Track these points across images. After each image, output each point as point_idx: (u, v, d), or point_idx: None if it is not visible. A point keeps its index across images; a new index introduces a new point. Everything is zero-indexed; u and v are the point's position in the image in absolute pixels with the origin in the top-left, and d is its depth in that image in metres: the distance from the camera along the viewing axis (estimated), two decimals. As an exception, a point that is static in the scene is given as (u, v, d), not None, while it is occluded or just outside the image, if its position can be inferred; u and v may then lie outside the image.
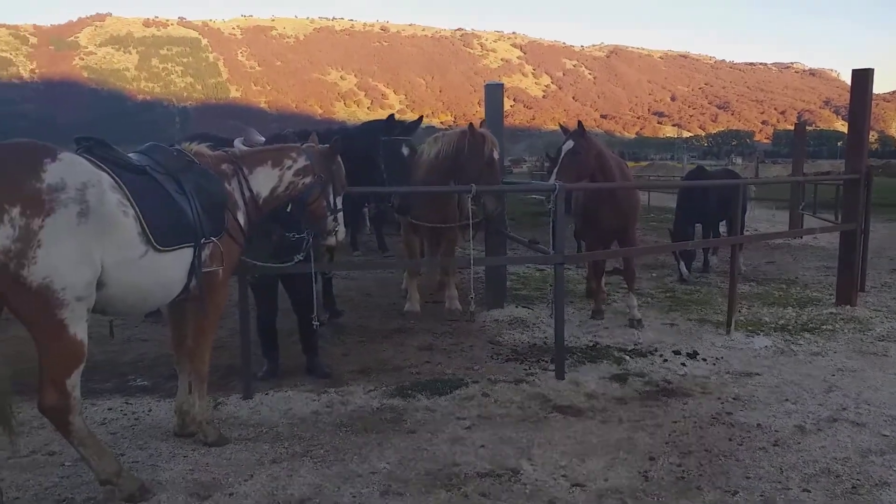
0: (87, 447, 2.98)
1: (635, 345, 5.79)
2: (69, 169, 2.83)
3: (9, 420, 2.95)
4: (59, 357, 2.84)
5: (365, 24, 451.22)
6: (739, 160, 79.18)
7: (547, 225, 5.34)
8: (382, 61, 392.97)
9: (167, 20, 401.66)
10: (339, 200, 4.07)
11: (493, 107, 7.17)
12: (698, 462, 3.56)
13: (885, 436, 3.87)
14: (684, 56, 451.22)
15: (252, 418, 4.15)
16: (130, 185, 3.07)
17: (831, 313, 6.79)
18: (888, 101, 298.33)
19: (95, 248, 2.86)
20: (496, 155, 6.00)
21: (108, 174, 3.02)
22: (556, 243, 5.03)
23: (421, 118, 6.61)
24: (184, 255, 3.30)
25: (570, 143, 5.93)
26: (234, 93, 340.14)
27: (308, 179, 3.87)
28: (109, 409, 4.27)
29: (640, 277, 8.08)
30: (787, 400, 4.46)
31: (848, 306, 6.98)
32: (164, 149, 3.51)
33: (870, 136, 7.71)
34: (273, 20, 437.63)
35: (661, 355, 5.47)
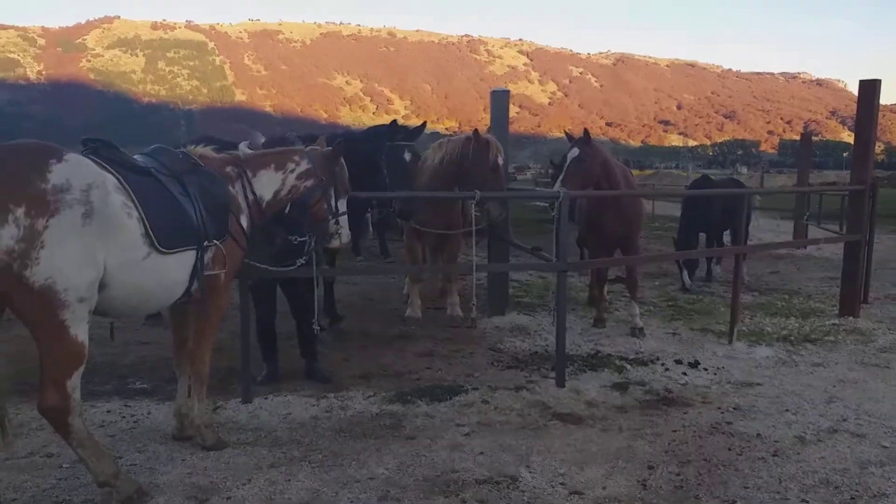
0: (86, 449, 2.97)
1: (637, 353, 5.78)
2: (74, 170, 2.84)
3: (2, 421, 2.96)
4: (59, 358, 2.84)
5: (372, 30, 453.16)
6: (745, 169, 79.17)
7: (551, 232, 5.33)
8: (388, 66, 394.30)
9: (175, 23, 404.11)
10: (342, 203, 4.06)
11: (499, 113, 7.18)
12: (697, 471, 3.55)
13: (885, 447, 3.85)
14: (691, 65, 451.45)
15: (251, 422, 4.15)
16: (135, 187, 3.08)
17: (834, 324, 6.76)
18: (895, 113, 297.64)
19: (99, 249, 2.87)
20: (501, 161, 5.99)
21: (113, 175, 3.03)
22: (559, 251, 5.03)
23: (424, 124, 6.61)
24: (187, 258, 3.30)
25: (575, 151, 5.93)
26: (240, 96, 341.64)
27: (310, 182, 3.87)
28: (109, 411, 4.28)
29: (642, 286, 8.07)
30: (787, 410, 4.44)
31: (851, 318, 6.95)
32: (170, 151, 3.53)
33: (876, 148, 7.70)
34: (280, 24, 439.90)
35: (662, 364, 5.45)
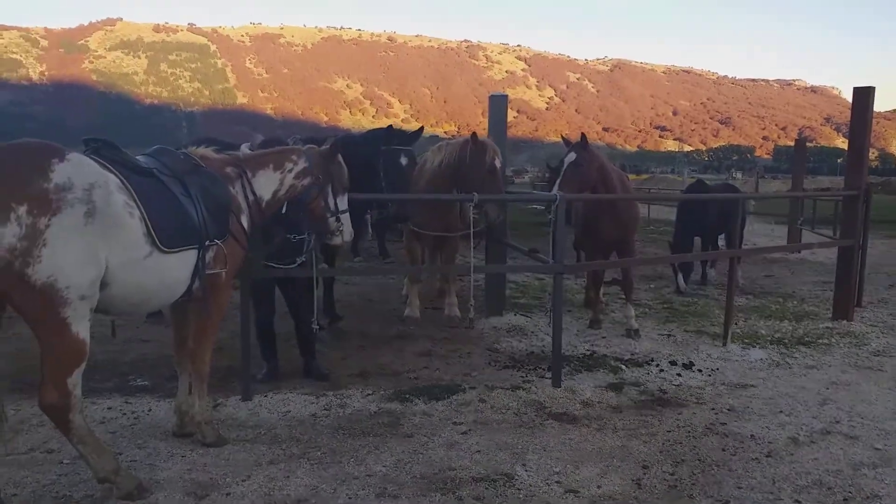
0: (87, 445, 3.00)
1: (632, 354, 5.83)
2: (77, 169, 2.87)
3: (1, 417, 2.98)
4: (60, 355, 2.87)
5: (372, 34, 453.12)
6: (739, 175, 79.33)
7: (547, 235, 5.38)
8: (388, 71, 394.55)
9: (177, 26, 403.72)
10: (342, 201, 4.07)
11: (497, 117, 7.24)
12: (691, 471, 3.59)
13: (877, 449, 3.90)
14: (687, 71, 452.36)
15: (250, 420, 4.18)
16: (137, 187, 3.11)
17: (827, 328, 6.83)
18: (889, 120, 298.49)
19: (101, 248, 2.90)
20: (498, 164, 6.04)
21: (116, 175, 3.06)
22: (556, 253, 5.08)
23: (422, 129, 6.66)
24: (188, 257, 3.33)
25: (572, 155, 5.99)
26: (241, 99, 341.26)
27: (307, 181, 3.90)
28: (109, 408, 4.30)
29: (638, 288, 8.13)
30: (781, 412, 4.49)
31: (844, 321, 7.02)
32: (171, 152, 3.56)
33: (870, 154, 7.77)
34: (282, 28, 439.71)
35: (657, 365, 5.50)
